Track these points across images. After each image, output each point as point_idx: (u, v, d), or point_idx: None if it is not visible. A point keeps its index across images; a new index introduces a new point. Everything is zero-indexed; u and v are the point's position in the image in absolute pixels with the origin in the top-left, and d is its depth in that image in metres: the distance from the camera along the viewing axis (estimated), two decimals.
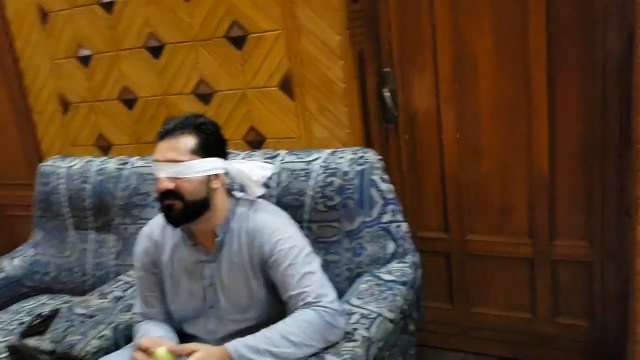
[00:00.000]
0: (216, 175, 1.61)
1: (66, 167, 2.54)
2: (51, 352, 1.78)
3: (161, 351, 1.41)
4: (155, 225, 1.78)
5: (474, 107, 2.15)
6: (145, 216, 2.32)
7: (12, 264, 2.56)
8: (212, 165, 1.60)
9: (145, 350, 1.48)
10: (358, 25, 2.09)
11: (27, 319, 2.29)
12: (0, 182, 3.35)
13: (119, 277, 2.21)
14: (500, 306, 2.32)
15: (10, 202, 3.33)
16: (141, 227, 2.30)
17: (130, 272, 2.23)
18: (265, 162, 1.92)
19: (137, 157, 2.43)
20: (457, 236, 2.31)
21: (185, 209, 1.57)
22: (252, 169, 1.69)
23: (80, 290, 2.45)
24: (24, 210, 3.23)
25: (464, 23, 2.09)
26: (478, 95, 2.14)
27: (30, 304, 2.45)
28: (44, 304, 2.43)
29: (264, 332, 1.50)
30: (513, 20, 2.02)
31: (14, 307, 2.45)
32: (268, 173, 1.72)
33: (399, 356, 1.82)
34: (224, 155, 1.66)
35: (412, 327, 1.90)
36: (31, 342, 1.80)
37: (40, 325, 1.86)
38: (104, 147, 2.64)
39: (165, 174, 1.55)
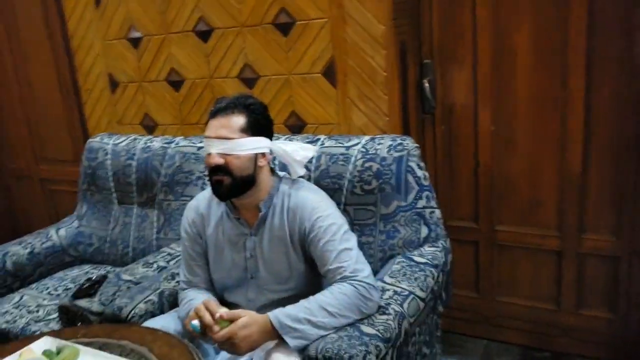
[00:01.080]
0: (263, 154, 1.71)
1: (113, 144, 2.66)
2: (100, 313, 1.90)
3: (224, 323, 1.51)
4: (202, 199, 1.88)
5: (510, 101, 2.22)
6: (187, 193, 2.43)
7: (58, 233, 2.69)
8: (259, 144, 1.69)
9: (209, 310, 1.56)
10: (402, 16, 2.16)
11: (71, 285, 2.43)
12: (46, 158, 3.50)
13: (162, 249, 2.32)
14: (525, 296, 2.38)
15: (54, 177, 3.48)
16: (183, 204, 2.43)
17: (173, 245, 2.34)
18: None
19: (182, 137, 2.53)
20: (486, 226, 2.38)
21: (233, 184, 1.66)
22: (295, 149, 1.78)
23: (121, 261, 2.57)
24: (67, 185, 3.39)
25: (504, 17, 2.15)
26: (515, 89, 2.20)
27: (74, 272, 2.59)
28: (86, 272, 2.56)
29: (303, 303, 1.59)
30: (553, 15, 2.07)
31: (59, 274, 2.59)
32: (310, 154, 1.81)
33: (427, 335, 1.90)
34: (270, 135, 1.75)
35: (440, 309, 1.97)
36: (82, 303, 1.92)
37: (90, 288, 1.98)
38: (149, 127, 2.76)
39: (216, 150, 1.65)
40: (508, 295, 2.42)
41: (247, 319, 1.53)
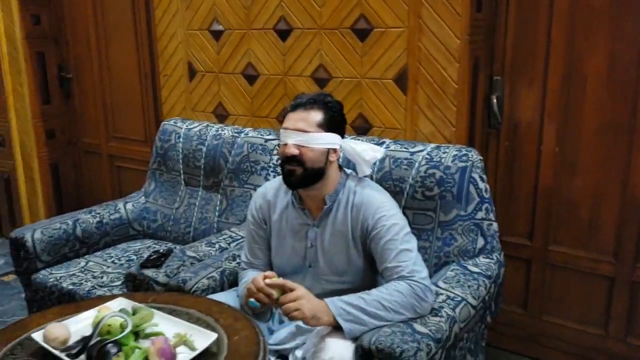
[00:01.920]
0: (334, 150, 1.79)
1: (186, 128, 2.80)
2: (164, 284, 2.02)
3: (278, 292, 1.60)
4: (270, 187, 1.98)
5: (576, 123, 2.24)
6: (251, 182, 2.54)
7: (126, 207, 2.85)
8: (333, 139, 1.78)
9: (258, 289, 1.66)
10: (477, 33, 2.21)
11: (134, 257, 2.58)
12: (116, 136, 3.69)
13: (224, 232, 2.43)
14: (573, 319, 2.39)
15: (121, 154, 3.67)
16: (246, 191, 2.55)
17: (233, 229, 2.45)
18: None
19: (251, 128, 2.65)
20: (540, 245, 2.40)
21: (305, 175, 1.76)
22: (365, 149, 1.86)
23: (182, 239, 2.70)
24: (133, 163, 3.57)
25: (579, 41, 2.18)
26: (582, 113, 2.22)
27: (136, 245, 2.73)
28: (148, 247, 2.70)
29: (359, 294, 1.66)
30: (630, 46, 2.09)
31: (122, 245, 2.74)
32: (379, 155, 1.88)
33: (473, 343, 1.95)
34: (343, 133, 1.84)
35: (488, 319, 2.01)
36: (149, 272, 2.04)
37: (156, 260, 2.10)
38: (221, 116, 2.89)
39: (292, 141, 1.75)
40: (556, 316, 2.42)
41: (304, 292, 1.62)
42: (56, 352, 1.34)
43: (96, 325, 1.36)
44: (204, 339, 1.40)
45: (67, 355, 1.32)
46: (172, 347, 1.32)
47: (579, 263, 2.33)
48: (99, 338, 1.36)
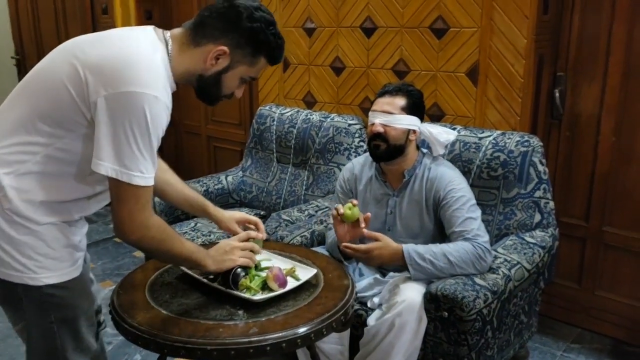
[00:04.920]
0: (414, 131, 2.14)
1: (279, 113, 3.22)
2: (265, 240, 2.42)
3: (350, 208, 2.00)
4: (357, 163, 2.35)
5: (633, 116, 2.47)
6: (335, 160, 2.92)
7: (227, 179, 3.29)
8: (413, 122, 2.13)
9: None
10: (543, 32, 2.48)
11: None
12: (214, 119, 4.16)
13: (311, 202, 2.82)
14: (624, 294, 2.62)
15: (218, 135, 4.13)
16: (330, 169, 2.93)
17: (319, 200, 2.84)
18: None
19: (336, 114, 3.03)
20: (595, 226, 2.64)
21: (388, 150, 2.12)
22: (440, 132, 2.19)
23: (273, 209, 3.11)
24: (227, 143, 4.03)
25: (638, 42, 2.40)
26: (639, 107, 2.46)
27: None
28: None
29: (430, 247, 2.01)
30: None
31: None
32: (452, 138, 2.21)
33: (527, 304, 2.24)
34: (421, 117, 2.19)
35: (541, 284, 2.30)
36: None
37: None
38: (310, 103, 3.28)
39: (379, 121, 2.11)
40: (608, 291, 2.66)
41: (382, 244, 2.01)
42: (197, 276, 1.76)
43: None
44: (306, 272, 1.78)
45: (205, 279, 1.74)
46: (284, 275, 1.70)
47: (631, 243, 2.56)
48: None
